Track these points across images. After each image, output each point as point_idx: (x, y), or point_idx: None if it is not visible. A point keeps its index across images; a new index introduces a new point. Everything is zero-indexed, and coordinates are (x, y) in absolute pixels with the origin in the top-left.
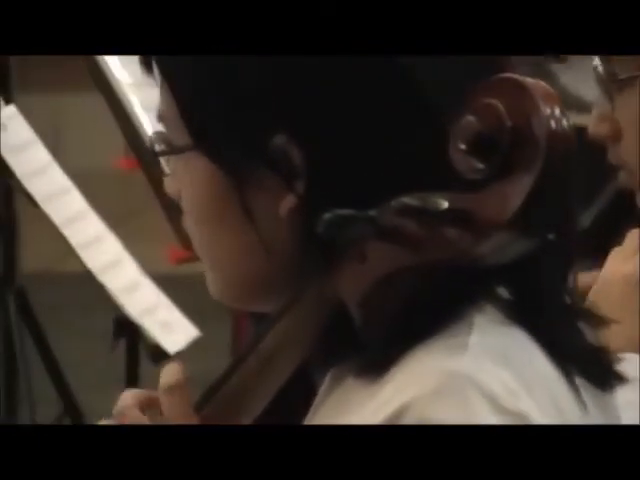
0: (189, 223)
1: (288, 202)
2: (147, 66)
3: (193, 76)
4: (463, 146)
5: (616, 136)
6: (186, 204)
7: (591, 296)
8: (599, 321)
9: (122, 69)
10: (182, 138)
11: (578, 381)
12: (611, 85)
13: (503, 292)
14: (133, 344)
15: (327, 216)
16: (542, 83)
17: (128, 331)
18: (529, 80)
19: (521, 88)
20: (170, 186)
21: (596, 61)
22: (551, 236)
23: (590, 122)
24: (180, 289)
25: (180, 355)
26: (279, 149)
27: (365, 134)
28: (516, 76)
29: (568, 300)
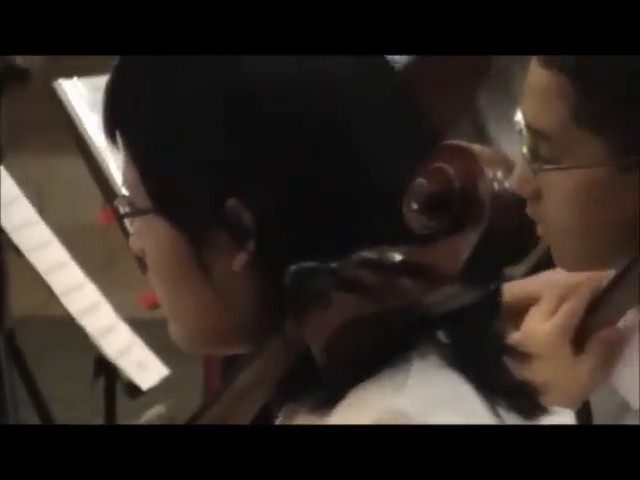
0: (152, 277)
1: (240, 259)
2: (111, 138)
3: (151, 147)
4: (415, 206)
5: (536, 195)
6: (149, 261)
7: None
8: (525, 358)
9: (100, 135)
10: (143, 202)
11: (506, 414)
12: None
13: (442, 336)
14: (111, 382)
15: (293, 268)
16: (487, 149)
17: (106, 370)
18: (475, 146)
19: (468, 154)
20: (134, 244)
21: (524, 150)
22: (494, 286)
23: (512, 180)
24: (153, 331)
25: (152, 391)
26: (231, 212)
27: (317, 195)
28: (463, 143)
29: (498, 341)
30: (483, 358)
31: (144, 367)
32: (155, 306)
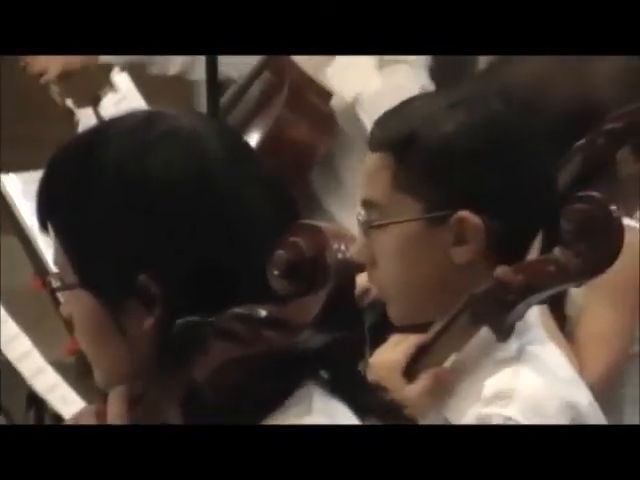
0: (78, 336)
1: (149, 322)
2: (44, 226)
3: (75, 235)
4: (276, 272)
5: (371, 260)
6: (75, 323)
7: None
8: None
9: (32, 216)
10: (70, 278)
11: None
12: (368, 229)
13: (324, 374)
14: (40, 413)
15: (180, 322)
16: (332, 226)
17: (36, 403)
18: (323, 224)
19: (317, 230)
20: (64, 310)
21: (360, 219)
22: (342, 333)
23: (352, 250)
24: (73, 373)
25: None
26: (141, 286)
27: (202, 265)
28: (313, 222)
29: (364, 372)
30: (354, 386)
31: (67, 401)
32: (73, 353)
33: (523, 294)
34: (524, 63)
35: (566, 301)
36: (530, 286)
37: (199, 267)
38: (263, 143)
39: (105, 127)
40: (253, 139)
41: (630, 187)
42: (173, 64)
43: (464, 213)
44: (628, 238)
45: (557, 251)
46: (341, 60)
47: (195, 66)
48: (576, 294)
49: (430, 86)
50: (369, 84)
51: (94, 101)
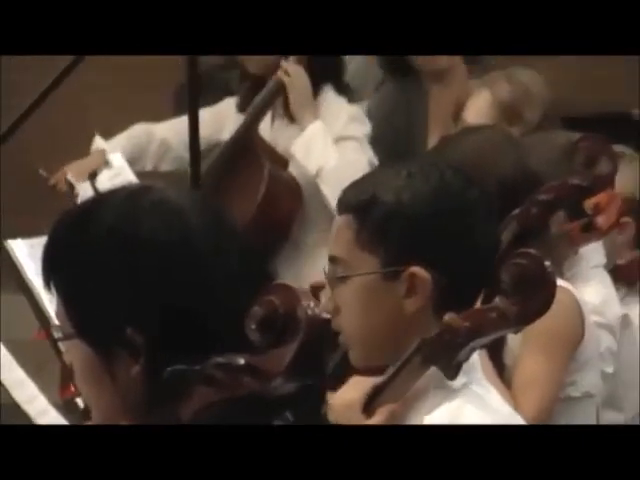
0: (77, 381)
1: (135, 369)
2: (47, 285)
3: (73, 293)
4: (253, 326)
5: (336, 311)
6: (74, 369)
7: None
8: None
9: (37, 276)
10: (69, 330)
11: None
12: (334, 282)
13: (289, 416)
14: None
15: (169, 370)
16: (302, 288)
17: None
18: (294, 286)
19: (290, 290)
20: (66, 358)
21: (326, 273)
22: (310, 381)
23: (321, 306)
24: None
25: None
26: (129, 337)
27: (187, 320)
28: (287, 283)
29: (324, 413)
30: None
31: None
32: (67, 395)
33: (469, 338)
34: (471, 139)
35: (504, 351)
36: (475, 331)
37: (181, 321)
38: (250, 219)
39: (101, 198)
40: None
41: (559, 248)
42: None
43: (415, 269)
44: (558, 295)
45: (498, 300)
46: (303, 138)
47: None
48: (513, 345)
49: (374, 159)
50: (328, 159)
51: (91, 176)
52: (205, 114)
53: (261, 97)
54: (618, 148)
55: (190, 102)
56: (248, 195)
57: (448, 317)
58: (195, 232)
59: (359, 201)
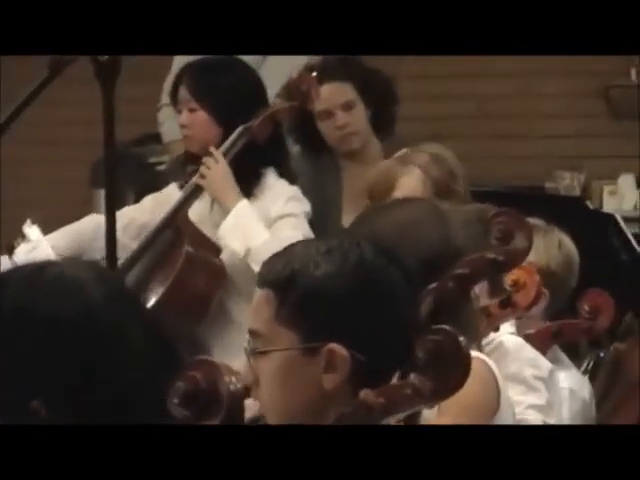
0: None
1: None
2: None
3: None
4: (176, 400)
5: (256, 383)
6: None
7: None
8: None
9: None
10: None
11: None
12: (253, 357)
13: None
14: None
15: None
16: (226, 364)
17: None
18: (217, 361)
19: (212, 365)
20: None
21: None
22: None
23: (242, 378)
24: None
25: None
26: (34, 409)
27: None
28: (209, 358)
29: None
30: None
31: None
32: None
33: (383, 414)
34: (397, 212)
35: (419, 420)
36: (390, 407)
37: (84, 394)
38: (163, 296)
39: (5, 276)
40: (155, 292)
41: (479, 323)
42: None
43: (333, 345)
44: (474, 366)
45: (412, 377)
46: (227, 222)
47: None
48: (429, 415)
49: (310, 233)
50: (257, 239)
51: (9, 250)
52: (147, 200)
53: (186, 187)
54: (532, 221)
55: (106, 178)
56: (164, 275)
57: (363, 394)
58: (94, 307)
59: (278, 277)
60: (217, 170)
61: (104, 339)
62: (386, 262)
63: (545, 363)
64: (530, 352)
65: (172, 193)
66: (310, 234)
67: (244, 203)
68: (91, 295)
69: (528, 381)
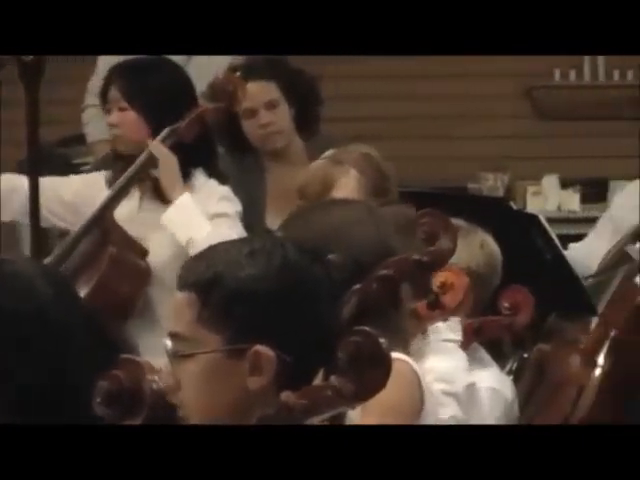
0: None
1: None
2: None
3: None
4: (99, 400)
5: (177, 385)
6: None
7: None
8: None
9: None
10: None
11: None
12: (175, 359)
13: None
14: None
15: None
16: (149, 362)
17: None
18: (140, 360)
19: (136, 364)
20: None
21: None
22: None
23: (162, 379)
24: None
25: None
26: None
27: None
28: (133, 357)
29: None
30: None
31: None
32: None
33: (305, 416)
34: (326, 213)
35: (344, 420)
36: (311, 409)
37: (25, 391)
38: (88, 297)
39: None
40: (80, 292)
41: (407, 325)
42: (6, 212)
43: (259, 347)
44: (397, 367)
45: (333, 378)
46: (173, 208)
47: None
48: (354, 415)
49: (244, 233)
50: (200, 230)
51: None
52: (75, 180)
53: (127, 174)
54: (454, 221)
55: (30, 179)
56: (89, 276)
57: (284, 395)
58: (46, 302)
59: (200, 279)
60: (166, 160)
61: (54, 335)
62: (310, 262)
63: (460, 378)
64: (444, 366)
65: (98, 181)
66: (244, 234)
67: (188, 195)
68: (42, 291)
69: (436, 396)
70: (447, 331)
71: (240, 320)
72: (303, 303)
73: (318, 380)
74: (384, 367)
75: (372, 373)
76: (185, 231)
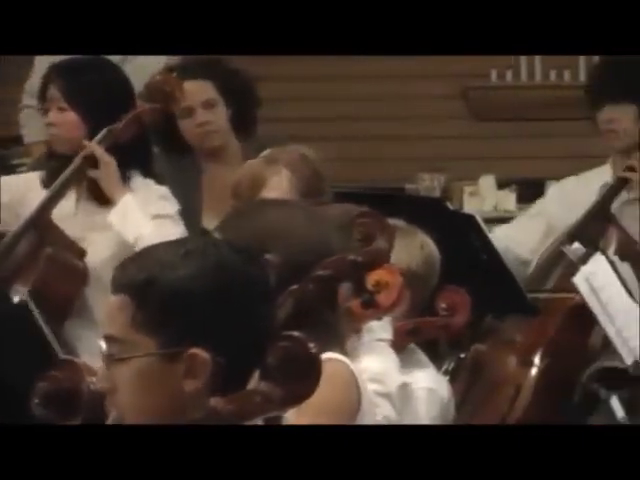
0: None
1: None
2: None
3: None
4: (37, 401)
5: (113, 388)
6: None
7: None
8: None
9: None
10: None
11: None
12: (111, 362)
13: None
14: None
15: None
16: (87, 364)
17: None
18: (78, 361)
19: (74, 365)
20: None
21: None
22: None
23: (98, 380)
24: None
25: None
26: None
27: None
28: (71, 358)
29: None
30: None
31: None
32: None
33: (234, 420)
34: (257, 213)
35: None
36: (239, 414)
37: None
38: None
39: None
40: (18, 293)
41: (342, 324)
42: None
43: (195, 350)
44: (334, 367)
45: (262, 384)
46: (119, 207)
47: None
48: (289, 414)
49: (186, 233)
50: (145, 228)
51: None
52: (4, 181)
53: (64, 174)
54: (393, 222)
55: None
56: (26, 276)
57: (213, 401)
58: None
59: (134, 282)
60: (105, 161)
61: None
62: (245, 262)
63: (393, 378)
64: (377, 366)
65: (34, 182)
66: (185, 234)
67: (130, 195)
68: None
69: (369, 396)
70: (380, 330)
71: (175, 322)
72: (238, 304)
73: (254, 381)
74: (313, 372)
75: (301, 378)
76: (133, 229)
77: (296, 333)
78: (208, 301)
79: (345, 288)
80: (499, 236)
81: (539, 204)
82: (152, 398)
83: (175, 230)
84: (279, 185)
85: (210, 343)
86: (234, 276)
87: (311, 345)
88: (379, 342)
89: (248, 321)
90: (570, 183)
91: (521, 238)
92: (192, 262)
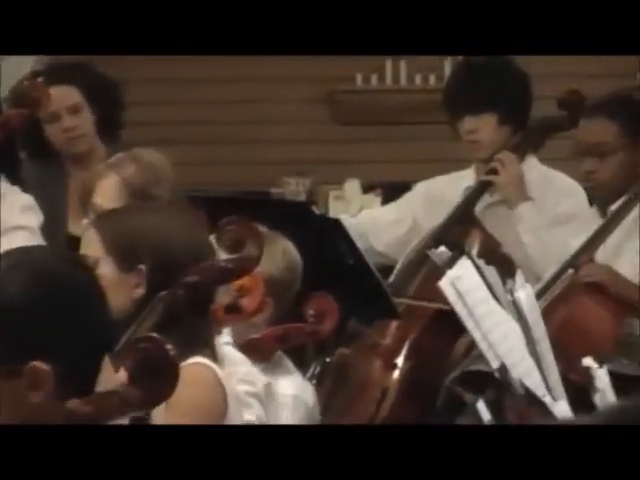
0: None
1: None
2: None
3: None
4: None
5: None
6: None
7: None
8: None
9: None
10: None
11: None
12: None
13: None
14: None
15: None
16: None
17: None
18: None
19: None
20: None
21: None
22: None
23: None
24: None
25: None
26: None
27: None
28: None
29: None
30: None
31: None
32: None
33: (95, 421)
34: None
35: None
36: (99, 415)
37: None
38: None
39: None
40: None
41: (209, 328)
42: None
43: (34, 363)
44: (198, 370)
45: (120, 385)
46: None
47: None
48: (157, 414)
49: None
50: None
51: None
52: None
53: None
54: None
55: None
56: None
57: (70, 403)
58: None
59: None
60: None
61: None
62: (74, 270)
63: (260, 378)
64: (245, 367)
65: None
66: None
67: None
68: None
69: (241, 398)
70: (224, 334)
71: (9, 339)
72: (69, 312)
73: (117, 382)
74: (171, 374)
75: (158, 380)
76: None
77: (154, 335)
78: (38, 313)
79: (214, 294)
80: (361, 221)
81: (405, 200)
82: (4, 413)
83: (30, 243)
84: (105, 189)
85: (48, 354)
86: (60, 284)
87: (168, 347)
88: (228, 345)
89: (82, 327)
90: (438, 183)
91: (379, 230)
92: (16, 276)
